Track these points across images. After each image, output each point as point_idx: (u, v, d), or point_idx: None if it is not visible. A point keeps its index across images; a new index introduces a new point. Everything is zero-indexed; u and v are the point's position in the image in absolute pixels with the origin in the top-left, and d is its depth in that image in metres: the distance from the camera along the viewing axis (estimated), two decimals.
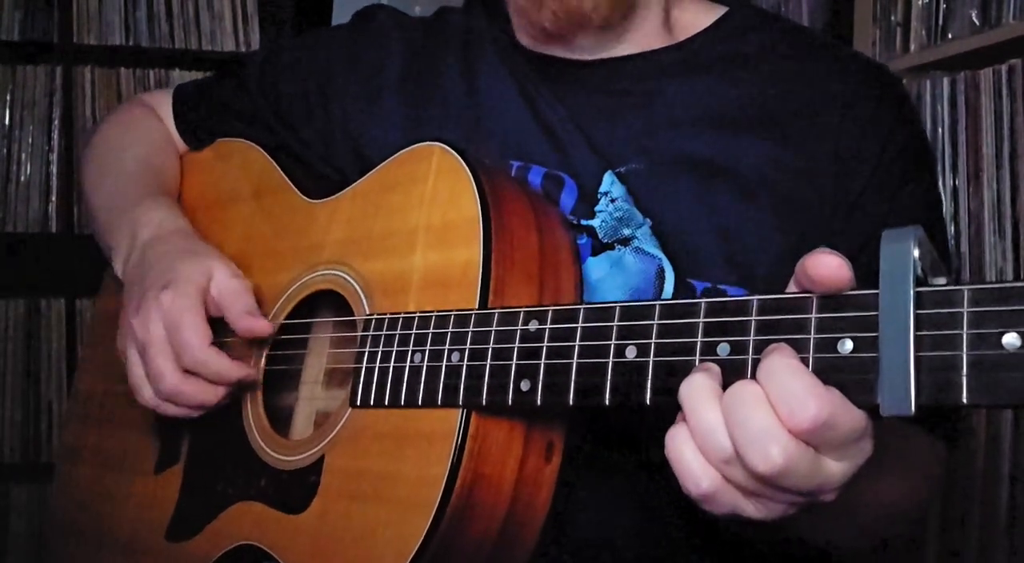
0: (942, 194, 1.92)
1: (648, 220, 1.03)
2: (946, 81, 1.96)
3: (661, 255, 1.02)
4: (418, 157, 1.00)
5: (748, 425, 0.64)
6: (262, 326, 1.06)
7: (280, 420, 1.11)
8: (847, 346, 0.65)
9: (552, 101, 1.10)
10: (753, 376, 0.67)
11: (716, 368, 0.69)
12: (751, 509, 0.69)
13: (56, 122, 3.02)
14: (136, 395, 1.08)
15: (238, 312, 1.05)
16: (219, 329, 1.06)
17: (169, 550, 1.12)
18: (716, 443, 0.66)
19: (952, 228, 1.92)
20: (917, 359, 0.61)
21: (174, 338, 1.03)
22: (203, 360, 1.02)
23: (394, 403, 0.91)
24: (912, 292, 0.62)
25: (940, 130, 1.97)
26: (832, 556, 1.04)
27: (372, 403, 0.93)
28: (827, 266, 0.65)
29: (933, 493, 1.05)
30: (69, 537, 1.31)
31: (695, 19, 1.12)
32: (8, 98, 3.01)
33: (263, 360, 1.10)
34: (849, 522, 0.90)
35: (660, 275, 1.01)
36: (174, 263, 1.09)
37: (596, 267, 1.03)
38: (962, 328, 0.60)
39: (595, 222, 1.04)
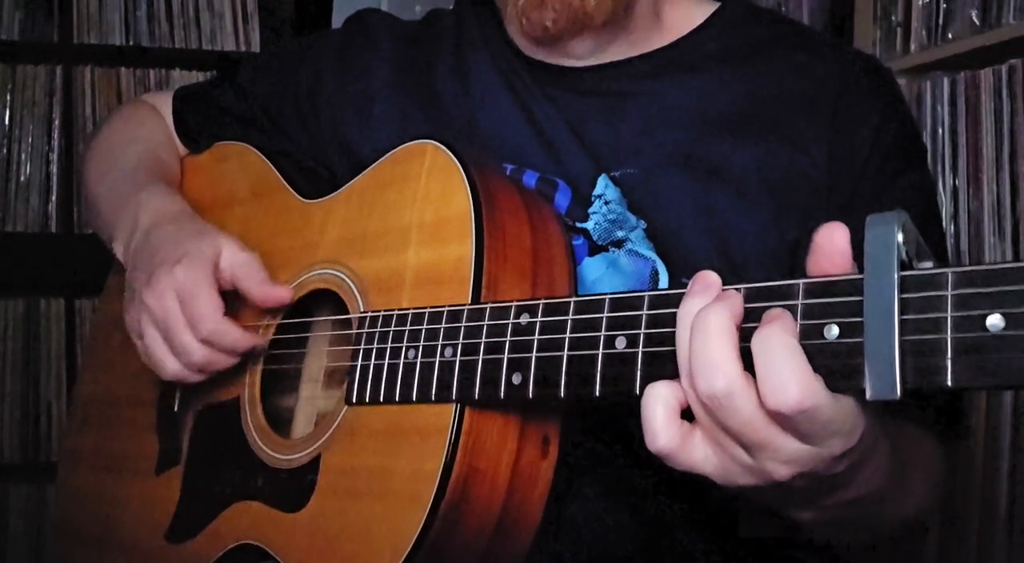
0: (942, 194, 1.92)
1: (642, 222, 1.03)
2: (946, 81, 1.96)
3: (655, 257, 1.02)
4: (411, 155, 1.00)
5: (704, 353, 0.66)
6: (280, 293, 1.06)
7: (282, 420, 1.11)
8: (833, 332, 0.64)
9: (545, 103, 1.10)
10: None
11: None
12: (709, 464, 0.70)
13: (56, 122, 3.03)
14: (158, 369, 1.08)
15: (255, 281, 1.06)
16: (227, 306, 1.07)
17: (170, 551, 1.13)
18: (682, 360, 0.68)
19: (952, 228, 1.92)
20: (902, 343, 0.61)
21: (188, 310, 1.04)
22: (218, 330, 1.03)
23: (389, 399, 0.91)
24: (896, 276, 0.61)
25: (940, 130, 1.97)
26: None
27: (367, 400, 0.93)
28: (829, 239, 0.67)
29: (936, 494, 1.04)
30: (71, 539, 1.31)
31: (687, 16, 1.12)
32: (8, 98, 3.01)
33: (261, 360, 1.10)
34: (846, 517, 0.89)
35: (654, 277, 1.01)
36: (183, 241, 1.10)
37: (593, 267, 1.03)
38: (946, 311, 0.60)
39: (588, 225, 1.04)
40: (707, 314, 0.67)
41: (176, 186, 1.32)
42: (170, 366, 1.06)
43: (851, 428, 0.66)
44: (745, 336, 0.66)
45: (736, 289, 0.69)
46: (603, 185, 1.05)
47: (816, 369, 0.64)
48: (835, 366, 0.64)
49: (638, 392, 0.72)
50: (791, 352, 0.64)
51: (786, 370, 0.63)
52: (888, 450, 0.77)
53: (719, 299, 0.68)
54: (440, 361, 0.87)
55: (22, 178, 3.01)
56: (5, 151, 3.01)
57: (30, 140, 3.02)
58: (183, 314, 1.04)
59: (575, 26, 1.06)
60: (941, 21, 1.99)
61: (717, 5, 1.13)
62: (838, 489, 0.74)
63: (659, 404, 0.69)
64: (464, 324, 0.86)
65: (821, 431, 0.65)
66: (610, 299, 0.76)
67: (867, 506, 0.80)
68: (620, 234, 1.03)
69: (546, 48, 1.13)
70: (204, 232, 1.13)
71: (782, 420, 0.64)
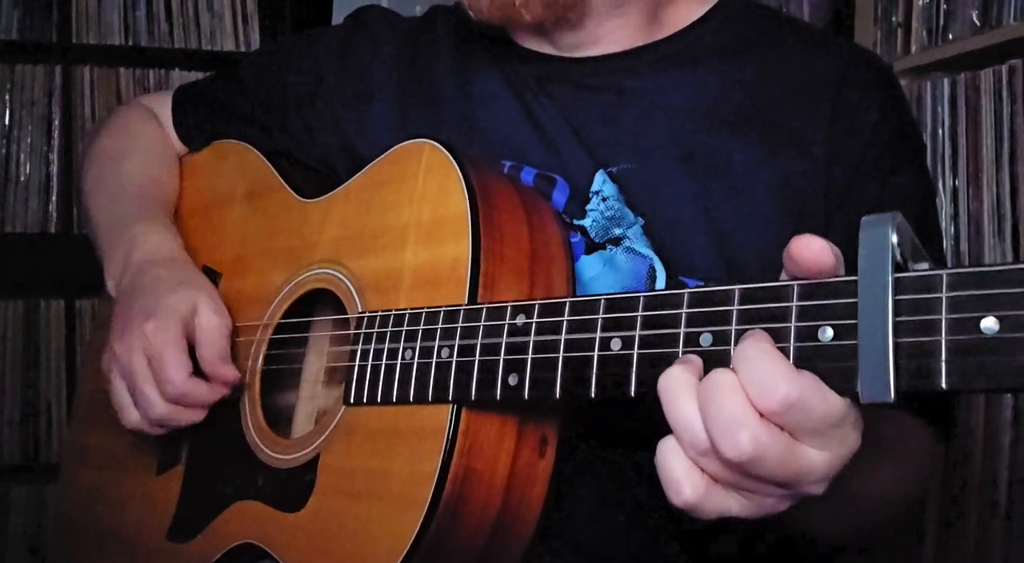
0: (942, 194, 1.92)
1: (640, 219, 1.03)
2: (946, 82, 1.96)
3: (652, 254, 1.02)
4: (408, 154, 1.00)
5: (719, 413, 0.64)
6: (227, 373, 1.07)
7: (283, 419, 1.11)
8: (827, 334, 0.64)
9: (544, 100, 1.10)
10: None
11: (696, 359, 0.69)
12: (736, 507, 0.68)
13: (56, 122, 3.02)
14: (120, 417, 1.10)
15: (211, 357, 1.07)
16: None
17: (171, 550, 1.13)
18: (692, 435, 0.66)
19: (952, 229, 1.92)
20: (896, 345, 0.60)
21: (156, 371, 1.05)
22: (185, 392, 1.05)
23: (386, 400, 0.91)
24: (891, 278, 0.61)
25: (940, 131, 1.97)
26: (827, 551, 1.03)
27: (365, 400, 0.93)
28: (808, 249, 0.65)
29: (927, 480, 1.04)
30: (75, 537, 1.32)
31: (687, 12, 1.12)
32: (8, 98, 3.01)
33: (260, 360, 1.10)
34: (844, 513, 0.89)
35: (651, 274, 1.01)
36: (164, 292, 1.11)
37: (589, 266, 1.02)
38: (941, 313, 0.60)
39: (586, 222, 1.04)
40: (714, 377, 0.65)
41: (173, 203, 1.32)
42: (133, 417, 1.09)
43: (855, 418, 0.66)
44: None
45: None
46: (600, 181, 1.04)
47: (811, 371, 0.64)
48: (829, 368, 0.64)
49: (633, 394, 0.72)
50: (767, 352, 0.64)
51: (766, 368, 0.63)
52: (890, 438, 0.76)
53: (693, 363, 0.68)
54: (437, 362, 0.87)
55: (22, 178, 3.01)
56: (5, 151, 3.01)
57: (30, 140, 3.02)
58: (151, 372, 1.06)
59: (506, 17, 1.07)
60: (941, 21, 1.99)
61: (715, 1, 1.13)
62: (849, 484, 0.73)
63: (674, 456, 0.68)
64: (460, 325, 0.86)
65: (824, 423, 0.64)
66: (605, 300, 0.76)
67: (853, 497, 0.80)
68: (617, 231, 1.03)
69: (535, 36, 1.13)
70: (185, 283, 1.13)
71: (779, 418, 0.64)
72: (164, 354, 1.05)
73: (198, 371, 1.07)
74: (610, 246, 1.03)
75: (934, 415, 1.01)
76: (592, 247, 1.03)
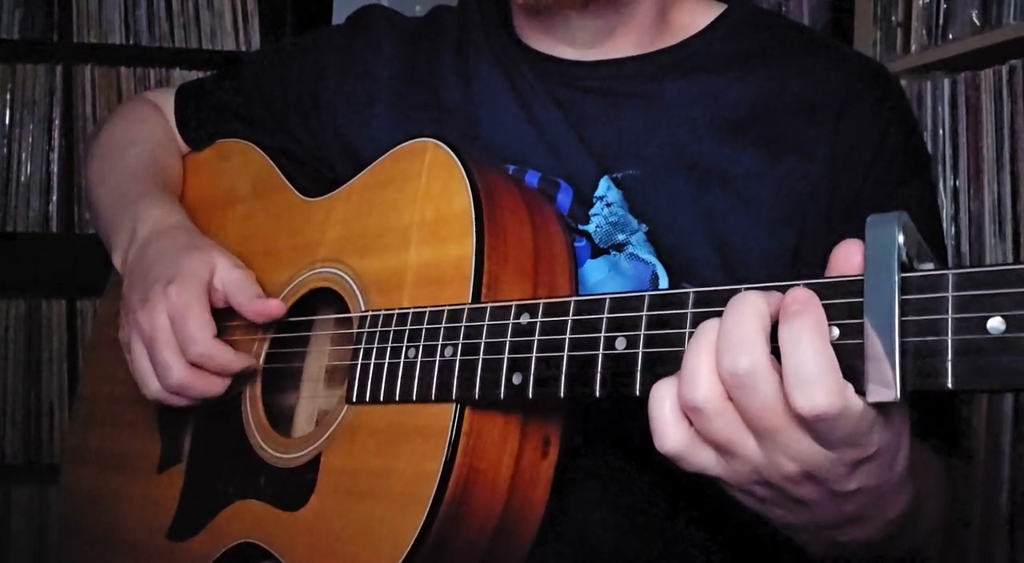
0: (942, 195, 1.92)
1: (643, 226, 1.03)
2: (947, 82, 1.96)
3: (655, 261, 1.02)
4: (412, 153, 1.00)
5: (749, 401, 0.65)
6: (272, 307, 1.06)
7: (283, 419, 1.11)
8: (834, 333, 0.64)
9: (548, 103, 1.10)
10: None
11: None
12: (718, 467, 0.69)
13: (56, 121, 3.02)
14: (141, 387, 1.08)
15: (246, 298, 1.06)
16: (221, 324, 1.08)
17: (171, 549, 1.13)
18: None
19: (952, 229, 1.92)
20: (902, 345, 0.61)
21: (180, 331, 1.04)
22: (209, 353, 1.03)
23: (389, 399, 0.91)
24: (897, 278, 0.61)
25: (940, 130, 1.97)
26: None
27: (368, 399, 0.93)
28: (846, 257, 0.66)
29: (941, 520, 1.03)
30: (76, 538, 1.31)
31: (693, 18, 1.12)
32: (8, 97, 3.01)
33: (262, 359, 1.10)
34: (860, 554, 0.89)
35: (654, 281, 1.01)
36: (177, 258, 1.10)
37: (595, 270, 1.03)
38: (947, 313, 0.60)
39: (590, 227, 1.04)
40: (744, 295, 0.66)
41: (177, 189, 1.32)
42: (152, 385, 1.07)
43: (866, 441, 0.65)
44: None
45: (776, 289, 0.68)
46: (605, 187, 1.05)
47: None
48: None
49: (638, 393, 0.72)
50: (822, 355, 0.63)
51: (815, 373, 0.62)
52: (912, 497, 0.76)
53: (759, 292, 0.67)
54: (440, 361, 0.87)
55: (22, 178, 3.01)
56: (5, 151, 3.00)
57: (30, 140, 3.02)
58: (174, 335, 1.04)
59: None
60: (941, 21, 2.00)
61: (724, 7, 1.13)
62: (854, 524, 0.73)
63: (666, 403, 0.68)
64: (464, 324, 0.86)
65: (837, 436, 0.64)
66: (610, 299, 0.76)
67: (880, 546, 0.79)
68: (621, 237, 1.03)
69: (548, 34, 1.13)
70: (199, 247, 1.13)
71: (801, 421, 0.64)
72: (188, 313, 1.03)
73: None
74: (613, 252, 1.03)
75: (943, 442, 1.01)
76: (596, 252, 1.03)
